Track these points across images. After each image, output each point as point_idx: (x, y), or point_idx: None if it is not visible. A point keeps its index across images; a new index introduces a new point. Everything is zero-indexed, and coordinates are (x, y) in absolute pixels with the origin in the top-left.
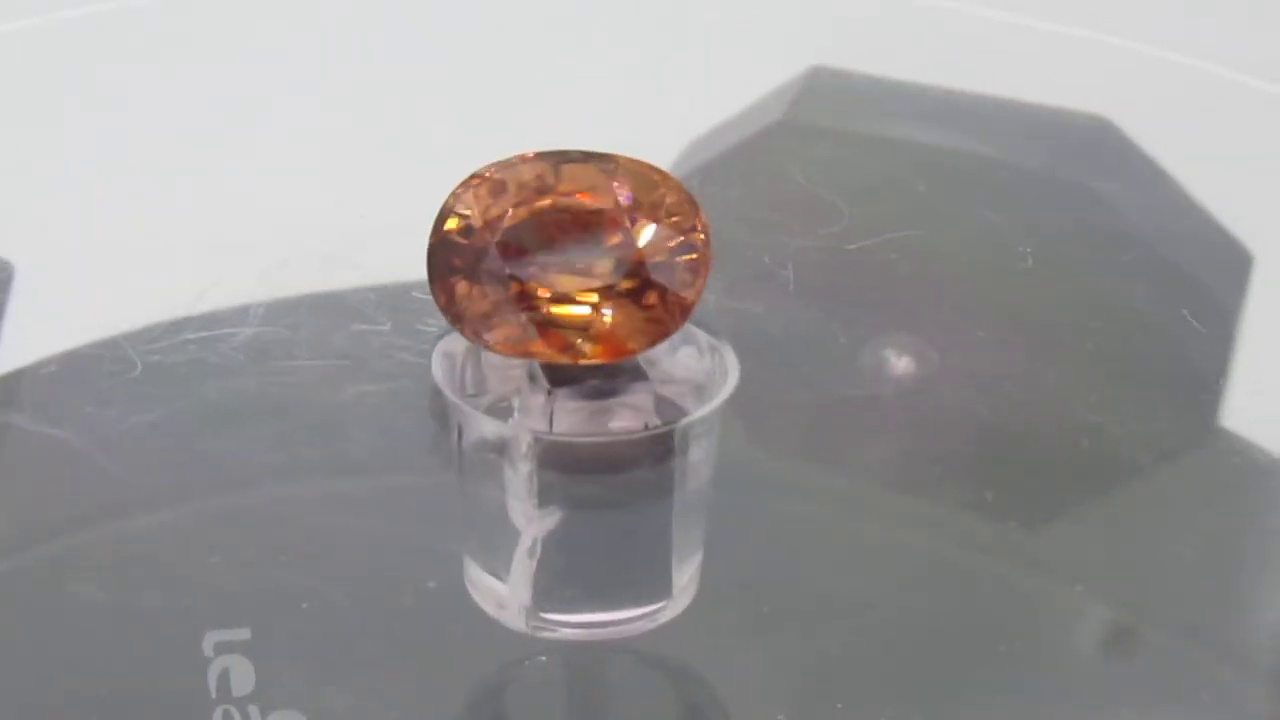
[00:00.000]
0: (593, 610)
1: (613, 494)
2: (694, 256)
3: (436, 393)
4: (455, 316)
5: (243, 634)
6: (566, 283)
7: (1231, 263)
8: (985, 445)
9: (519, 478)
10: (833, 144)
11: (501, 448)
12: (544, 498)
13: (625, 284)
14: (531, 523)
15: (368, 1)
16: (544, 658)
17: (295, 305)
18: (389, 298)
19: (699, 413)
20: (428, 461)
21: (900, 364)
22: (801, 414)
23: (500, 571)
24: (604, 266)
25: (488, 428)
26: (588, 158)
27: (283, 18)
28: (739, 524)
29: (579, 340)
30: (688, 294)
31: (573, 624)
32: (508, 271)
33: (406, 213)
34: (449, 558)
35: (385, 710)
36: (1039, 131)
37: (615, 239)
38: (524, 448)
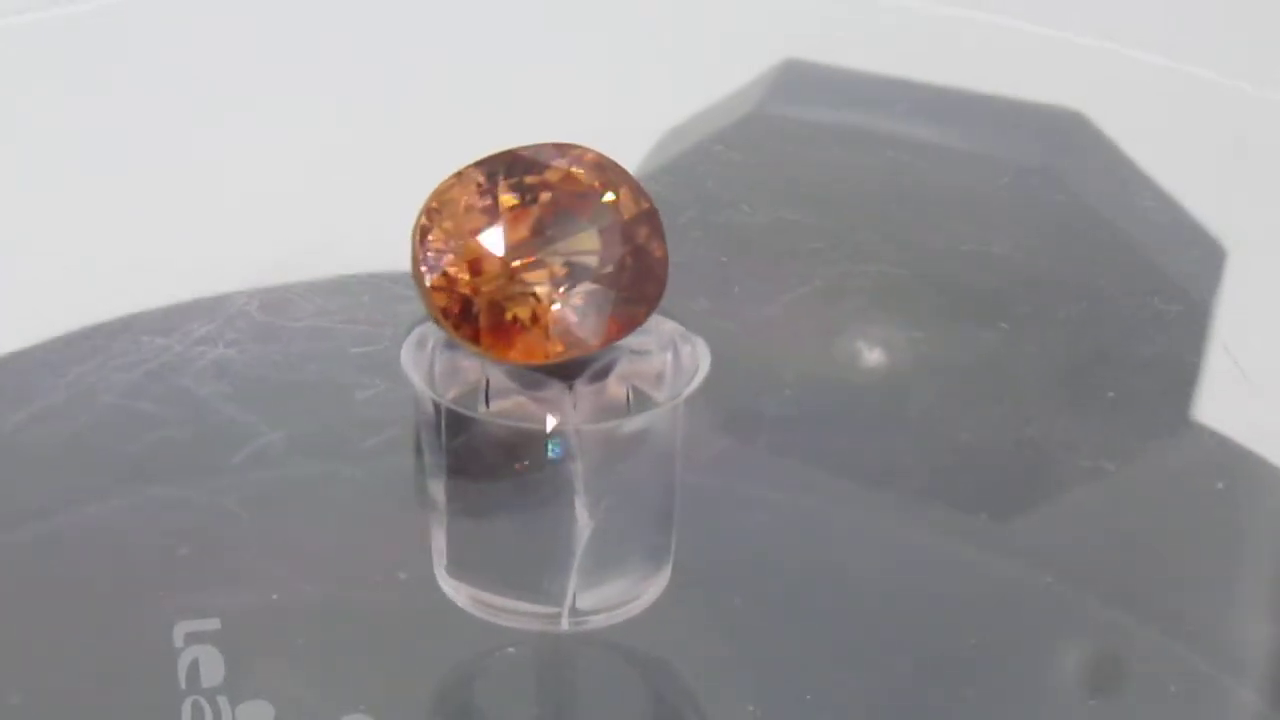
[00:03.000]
0: (619, 593)
1: (626, 473)
2: (646, 207)
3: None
4: (478, 343)
5: (212, 624)
6: (566, 275)
7: (1204, 256)
8: (956, 436)
9: (576, 477)
10: (806, 136)
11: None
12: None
13: (618, 256)
14: (589, 521)
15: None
16: (512, 649)
17: (269, 400)
18: (332, 365)
19: (698, 378)
20: (399, 452)
21: (873, 355)
22: (771, 404)
23: (528, 585)
24: (589, 248)
25: (533, 429)
26: (511, 155)
27: (245, 16)
28: (710, 516)
29: (593, 327)
30: (663, 248)
31: (602, 610)
32: (527, 288)
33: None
34: (419, 549)
35: (355, 702)
36: (1012, 124)
37: (584, 220)
38: (574, 444)
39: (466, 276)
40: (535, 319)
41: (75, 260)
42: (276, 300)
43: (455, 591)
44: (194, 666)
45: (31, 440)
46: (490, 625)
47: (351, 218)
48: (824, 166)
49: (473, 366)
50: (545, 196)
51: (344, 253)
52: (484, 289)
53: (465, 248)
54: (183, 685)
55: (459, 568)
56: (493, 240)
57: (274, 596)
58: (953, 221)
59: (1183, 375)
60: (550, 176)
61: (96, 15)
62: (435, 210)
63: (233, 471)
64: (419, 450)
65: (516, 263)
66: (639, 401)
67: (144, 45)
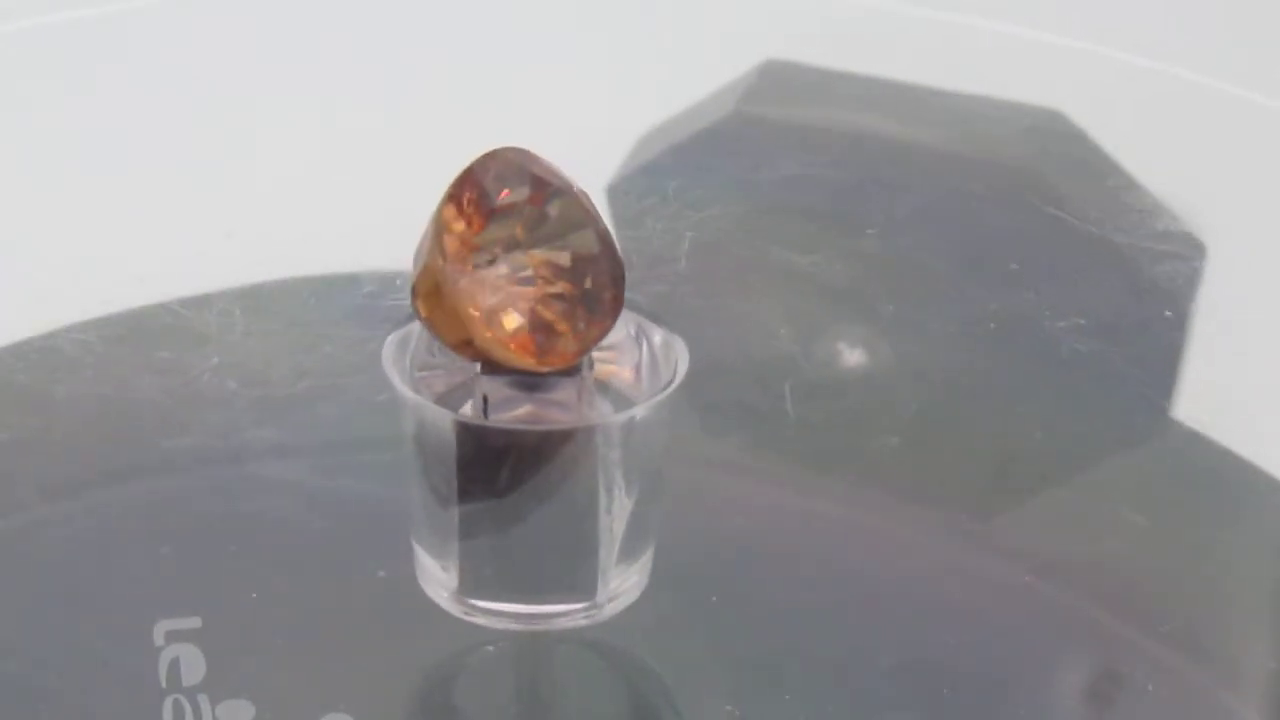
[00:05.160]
0: (632, 581)
1: (637, 458)
2: (585, 193)
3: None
4: (540, 357)
5: (193, 623)
6: (570, 272)
7: (1185, 255)
8: (937, 435)
9: (612, 468)
10: (786, 136)
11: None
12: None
13: (598, 245)
14: (626, 503)
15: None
16: (491, 647)
17: (368, 466)
18: (375, 419)
19: (682, 363)
20: (378, 448)
21: (853, 355)
22: (749, 403)
23: (560, 584)
24: (581, 243)
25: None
26: (477, 173)
27: (243, 17)
28: (686, 515)
29: (603, 318)
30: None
31: (621, 595)
32: (555, 293)
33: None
34: (399, 547)
35: (335, 700)
36: (992, 123)
37: (562, 217)
38: (615, 435)
39: (515, 296)
40: (567, 322)
41: (76, 259)
42: (250, 375)
43: (441, 598)
44: (174, 665)
45: (18, 433)
46: (470, 625)
47: (344, 219)
48: (806, 169)
49: (450, 375)
50: (523, 204)
51: (338, 256)
52: (523, 304)
53: (495, 274)
54: (163, 684)
55: (479, 586)
56: (515, 258)
57: (254, 595)
58: (932, 221)
59: (1164, 375)
60: (513, 183)
61: (99, 22)
62: (457, 249)
63: (215, 471)
64: (426, 472)
65: (541, 273)
66: (616, 388)
67: (143, 49)
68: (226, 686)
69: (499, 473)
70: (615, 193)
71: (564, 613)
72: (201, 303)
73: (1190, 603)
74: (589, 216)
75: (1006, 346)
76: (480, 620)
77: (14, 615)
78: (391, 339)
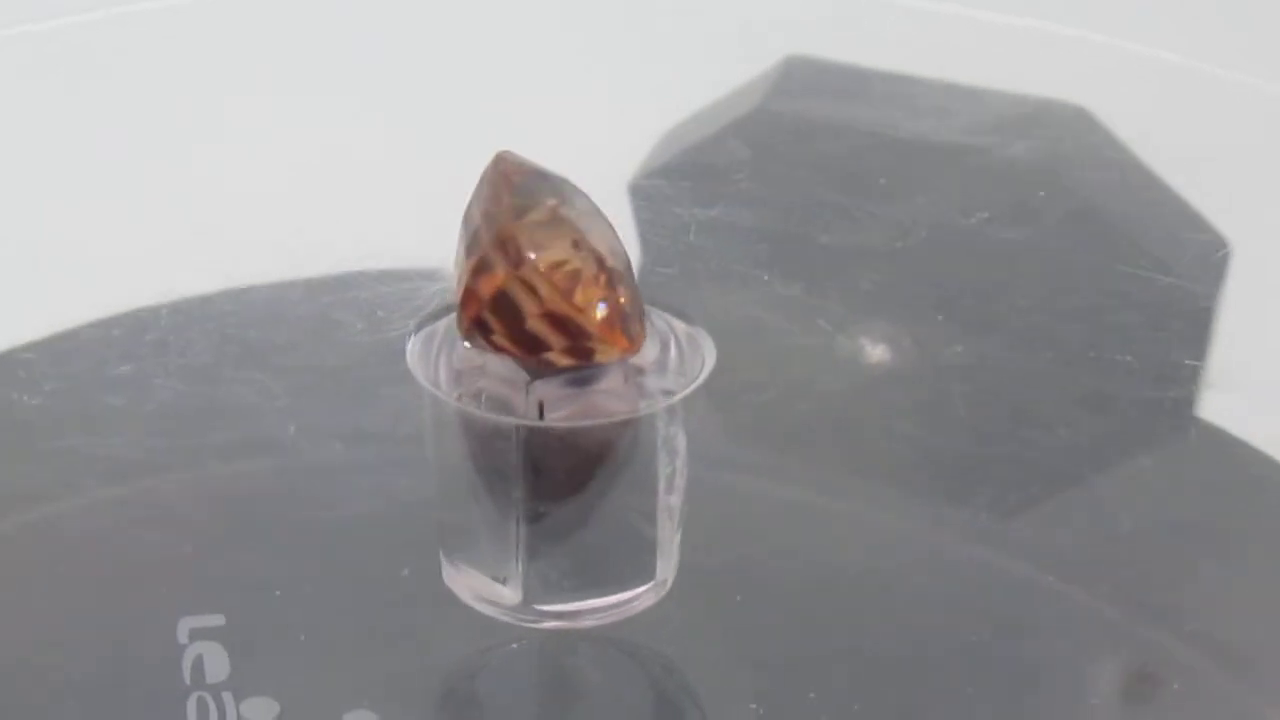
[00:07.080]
0: (676, 555)
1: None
2: None
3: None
4: (628, 342)
5: (217, 621)
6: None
7: (1209, 251)
8: (960, 434)
9: (674, 443)
10: (810, 132)
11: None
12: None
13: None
14: (682, 486)
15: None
16: (515, 645)
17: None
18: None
19: (709, 351)
20: (401, 446)
21: (876, 352)
22: (776, 401)
23: (626, 572)
24: (609, 233)
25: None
26: (509, 180)
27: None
28: (712, 514)
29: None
30: None
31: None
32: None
33: None
34: (423, 545)
35: (359, 698)
36: (1016, 120)
37: (588, 213)
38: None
39: (589, 283)
40: (630, 306)
41: (83, 258)
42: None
43: (502, 611)
44: (198, 662)
45: (42, 426)
46: (493, 622)
47: (348, 221)
48: (829, 165)
49: (473, 374)
50: (549, 196)
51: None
52: (598, 292)
53: (570, 267)
54: (187, 681)
55: (547, 591)
56: (574, 246)
57: (277, 593)
58: (955, 217)
59: (1186, 371)
60: (537, 178)
61: (102, 24)
62: (528, 250)
63: (239, 468)
64: (482, 485)
65: (598, 256)
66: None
67: (144, 52)
68: (250, 684)
69: (573, 472)
70: (637, 190)
71: (634, 597)
72: (205, 375)
73: (1214, 602)
74: (580, 193)
75: (953, 254)
76: (552, 625)
77: (38, 613)
78: (412, 352)
